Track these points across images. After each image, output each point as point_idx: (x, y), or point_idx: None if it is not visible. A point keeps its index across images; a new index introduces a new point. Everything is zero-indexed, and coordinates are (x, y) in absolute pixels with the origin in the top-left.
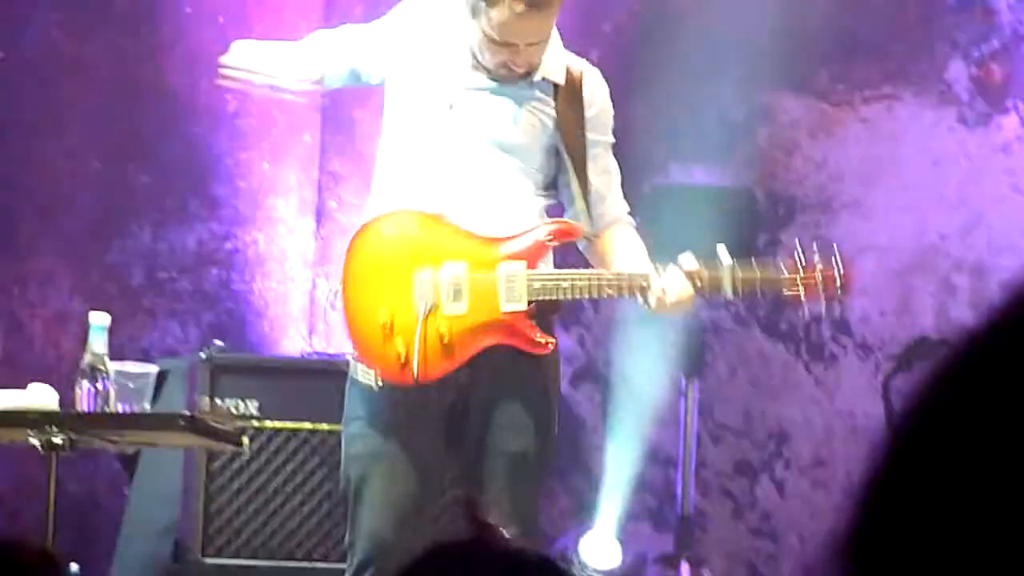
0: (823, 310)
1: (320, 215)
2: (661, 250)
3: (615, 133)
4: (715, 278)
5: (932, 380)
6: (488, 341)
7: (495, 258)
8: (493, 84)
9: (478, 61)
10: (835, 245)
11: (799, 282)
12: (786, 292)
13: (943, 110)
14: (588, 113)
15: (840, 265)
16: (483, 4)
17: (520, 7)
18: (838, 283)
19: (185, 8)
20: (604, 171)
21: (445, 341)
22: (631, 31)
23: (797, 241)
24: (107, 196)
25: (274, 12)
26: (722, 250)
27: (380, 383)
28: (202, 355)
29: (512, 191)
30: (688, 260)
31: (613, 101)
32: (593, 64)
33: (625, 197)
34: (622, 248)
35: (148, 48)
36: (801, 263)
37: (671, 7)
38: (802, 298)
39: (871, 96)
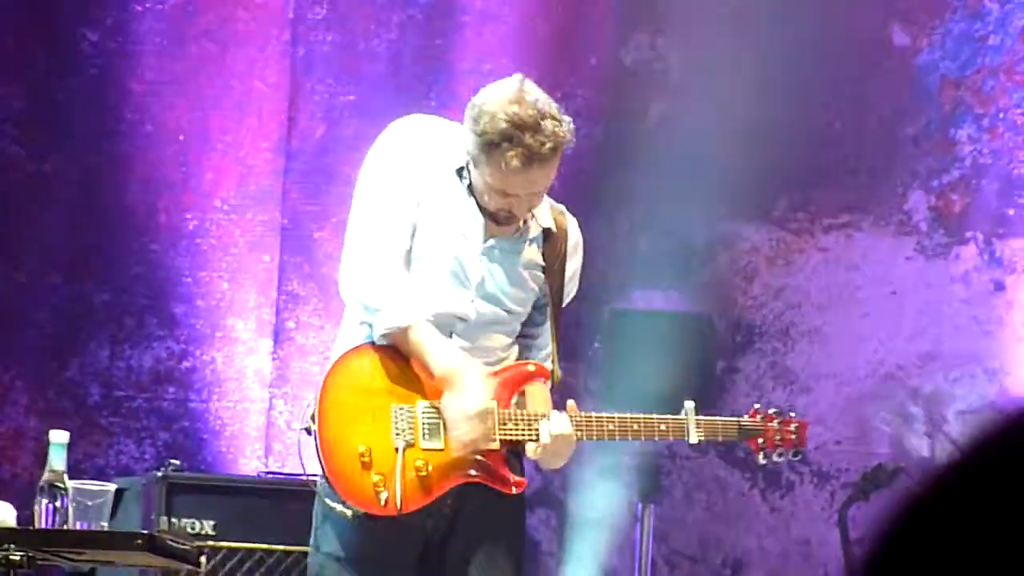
0: (781, 460)
1: (278, 335)
2: (621, 373)
3: None
4: (679, 424)
5: (896, 511)
6: (462, 478)
7: None
8: (500, 243)
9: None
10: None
11: (759, 431)
12: (745, 435)
13: (902, 240)
14: (570, 265)
15: (794, 416)
16: (483, 156)
17: (518, 162)
18: (794, 433)
19: (146, 126)
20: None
21: (422, 475)
22: (592, 156)
23: (756, 405)
24: (66, 313)
25: (235, 131)
26: (689, 405)
27: (357, 514)
28: (158, 474)
29: (499, 345)
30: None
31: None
32: (554, 188)
33: (585, 321)
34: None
35: (108, 165)
36: (761, 415)
37: (632, 133)
38: (760, 446)
39: (831, 225)
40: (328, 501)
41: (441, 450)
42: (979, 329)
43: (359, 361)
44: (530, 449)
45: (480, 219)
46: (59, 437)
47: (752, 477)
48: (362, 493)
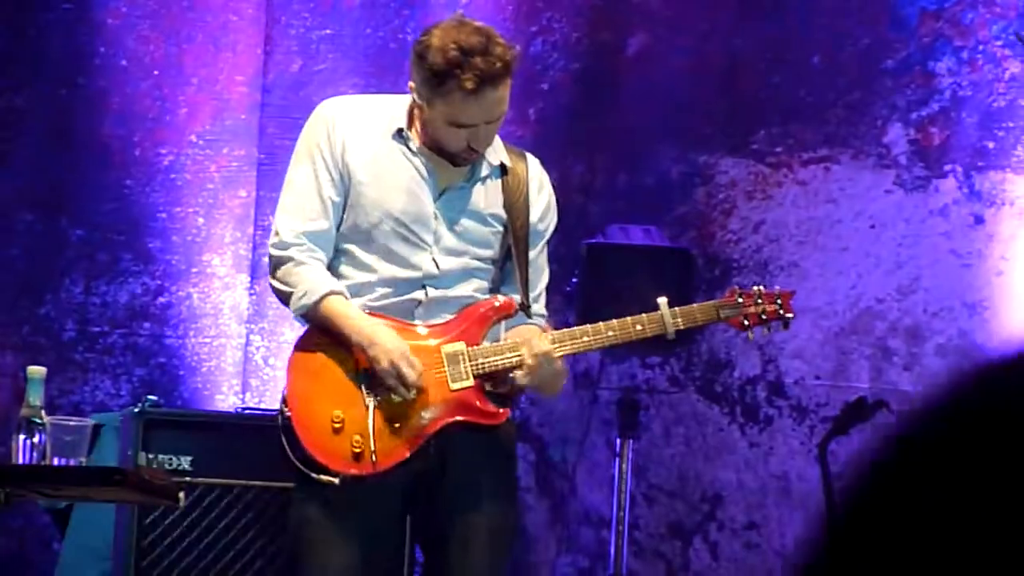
0: (766, 332)
1: (254, 271)
2: (599, 309)
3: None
4: (653, 317)
5: (881, 446)
6: (444, 420)
7: (437, 342)
8: (452, 194)
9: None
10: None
11: (738, 308)
12: (724, 315)
13: (881, 173)
14: (533, 209)
15: (777, 288)
16: (436, 91)
17: (471, 84)
18: (776, 302)
19: (120, 60)
20: (535, 267)
21: (397, 426)
22: (569, 91)
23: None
24: (40, 250)
25: (210, 65)
26: (662, 300)
27: (344, 479)
28: (135, 410)
29: (476, 293)
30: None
31: (551, 162)
32: (531, 122)
33: (563, 257)
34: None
35: (83, 100)
36: (739, 292)
37: (609, 68)
38: (744, 324)
39: (809, 159)
40: (314, 476)
41: (413, 401)
42: (958, 262)
43: (318, 338)
44: (519, 375)
45: (429, 176)
46: (37, 373)
47: (731, 412)
48: (342, 457)
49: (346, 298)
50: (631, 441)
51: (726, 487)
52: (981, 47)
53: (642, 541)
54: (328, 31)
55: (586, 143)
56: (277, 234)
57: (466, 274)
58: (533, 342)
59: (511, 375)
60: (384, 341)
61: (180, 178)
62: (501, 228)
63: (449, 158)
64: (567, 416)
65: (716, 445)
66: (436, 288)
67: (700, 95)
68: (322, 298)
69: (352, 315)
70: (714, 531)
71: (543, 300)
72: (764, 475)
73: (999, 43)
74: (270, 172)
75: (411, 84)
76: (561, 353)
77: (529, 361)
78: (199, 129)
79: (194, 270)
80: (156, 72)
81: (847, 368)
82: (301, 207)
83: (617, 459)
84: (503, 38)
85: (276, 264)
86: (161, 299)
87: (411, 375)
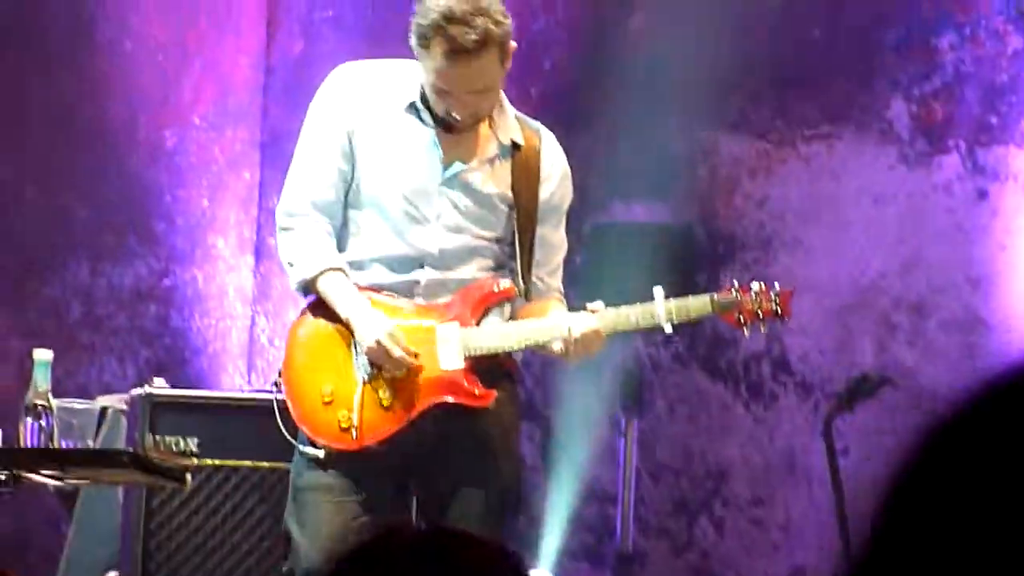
0: (763, 330)
1: (259, 252)
2: (602, 287)
3: None
4: (647, 310)
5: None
6: (431, 399)
7: (432, 322)
8: (459, 171)
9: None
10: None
11: (734, 303)
12: (720, 309)
13: (884, 148)
14: (544, 186)
15: (776, 286)
16: (421, 51)
17: (443, 51)
18: (774, 301)
19: (125, 43)
20: (548, 244)
21: (386, 404)
22: (571, 68)
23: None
24: (44, 230)
25: (214, 48)
26: (657, 290)
27: (329, 452)
28: (142, 392)
29: (479, 274)
30: (596, 304)
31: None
32: (532, 100)
33: (567, 234)
34: (547, 313)
35: (87, 83)
36: (735, 287)
37: (611, 45)
38: (739, 320)
39: (812, 135)
40: (300, 447)
41: (402, 379)
42: (962, 238)
43: (319, 310)
44: (556, 347)
45: (438, 151)
46: (43, 356)
47: (735, 389)
48: (329, 431)
49: (345, 274)
50: (636, 419)
51: (731, 464)
52: (983, 22)
53: (647, 518)
54: (330, 12)
55: (588, 119)
56: (284, 203)
57: (468, 253)
58: (574, 320)
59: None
60: (369, 319)
61: (184, 160)
62: (507, 209)
63: (441, 124)
64: (572, 395)
65: (721, 422)
66: (435, 269)
67: (702, 72)
68: (319, 274)
69: (344, 292)
70: (719, 507)
71: (559, 275)
72: (769, 452)
73: (1001, 18)
74: (274, 153)
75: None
76: (605, 331)
77: (576, 336)
78: (203, 111)
79: (199, 251)
80: (160, 55)
81: (851, 344)
82: (310, 176)
83: (622, 437)
84: (500, 12)
85: (282, 235)
86: (166, 281)
87: (396, 351)
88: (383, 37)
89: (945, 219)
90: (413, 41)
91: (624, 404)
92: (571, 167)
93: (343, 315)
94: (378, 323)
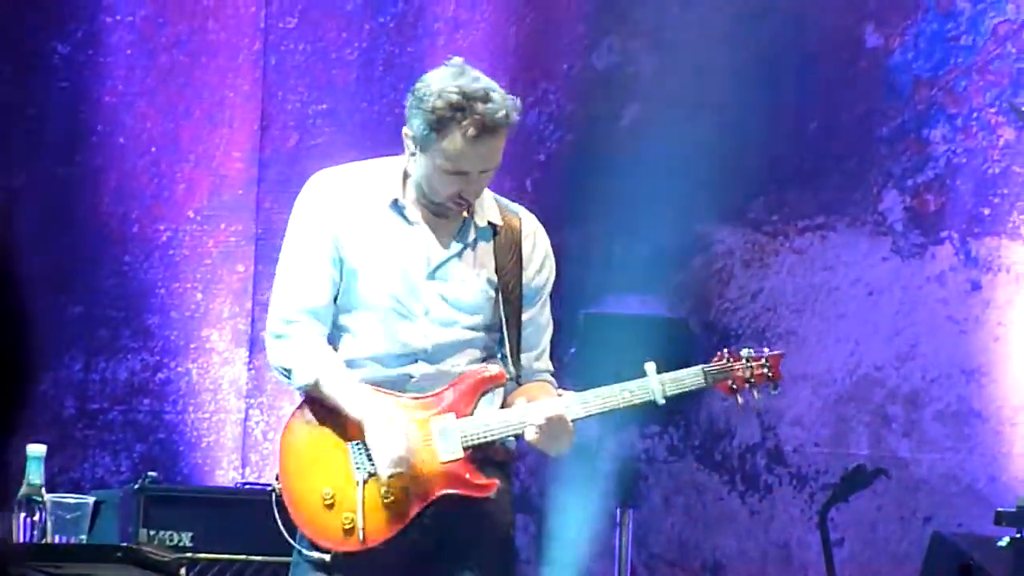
0: (755, 396)
1: (253, 346)
2: (594, 380)
3: None
4: (641, 385)
5: None
6: (433, 493)
7: (427, 414)
8: (444, 262)
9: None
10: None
11: (725, 371)
12: (712, 379)
13: (877, 240)
14: (528, 267)
15: (765, 351)
16: (434, 135)
17: (473, 131)
18: (764, 365)
19: (118, 138)
20: (536, 325)
21: (388, 501)
22: (566, 160)
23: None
24: (39, 326)
25: (206, 141)
26: (649, 366)
27: (335, 556)
28: (136, 486)
29: (459, 358)
30: (568, 393)
31: (547, 232)
32: (527, 192)
33: (561, 326)
34: (537, 397)
35: (80, 177)
36: (726, 355)
37: (606, 137)
38: (732, 388)
39: (805, 226)
40: (304, 551)
41: (404, 475)
42: (956, 329)
43: (310, 411)
44: (529, 433)
45: (423, 248)
46: (36, 450)
47: (731, 480)
48: (334, 534)
49: (344, 373)
50: (631, 511)
51: (727, 555)
52: (975, 114)
53: None
54: (324, 105)
55: (583, 211)
56: (277, 311)
57: (459, 346)
58: (546, 403)
59: (519, 435)
60: (380, 414)
61: (178, 254)
62: (493, 292)
63: (435, 210)
64: (567, 487)
65: (716, 513)
66: (428, 363)
67: (695, 165)
68: (323, 376)
69: (350, 389)
70: None
71: (546, 356)
72: (764, 543)
73: (992, 110)
74: (268, 247)
75: (406, 131)
76: (573, 418)
77: (541, 422)
78: (196, 205)
79: (193, 345)
80: (153, 149)
81: (846, 435)
82: (300, 282)
83: (618, 529)
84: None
85: (276, 342)
86: (160, 375)
87: (396, 467)
88: (377, 129)
89: (939, 310)
90: (418, 130)
91: (619, 496)
92: (566, 258)
93: (351, 412)
94: (395, 426)
